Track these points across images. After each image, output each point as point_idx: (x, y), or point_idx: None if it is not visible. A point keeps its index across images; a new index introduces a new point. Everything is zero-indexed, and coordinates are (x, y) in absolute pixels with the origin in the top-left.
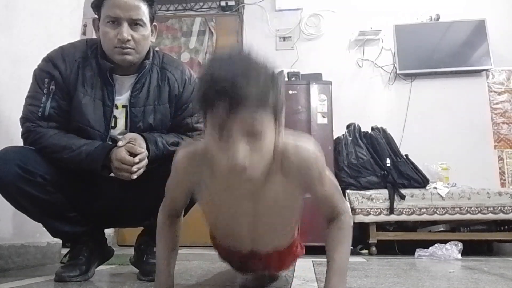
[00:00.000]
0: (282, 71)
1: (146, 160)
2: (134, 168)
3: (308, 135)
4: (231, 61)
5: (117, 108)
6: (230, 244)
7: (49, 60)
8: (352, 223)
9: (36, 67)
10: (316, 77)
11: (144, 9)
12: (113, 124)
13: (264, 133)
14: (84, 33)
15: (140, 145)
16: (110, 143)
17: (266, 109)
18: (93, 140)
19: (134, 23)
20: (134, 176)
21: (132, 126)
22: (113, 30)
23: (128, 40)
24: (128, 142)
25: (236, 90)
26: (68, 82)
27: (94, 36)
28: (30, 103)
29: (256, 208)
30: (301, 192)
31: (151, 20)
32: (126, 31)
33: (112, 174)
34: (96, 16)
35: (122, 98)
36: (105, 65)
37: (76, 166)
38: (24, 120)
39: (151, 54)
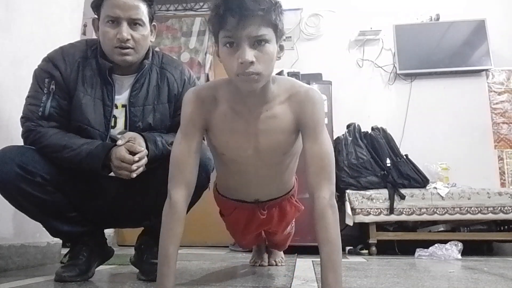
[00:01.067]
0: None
1: (146, 159)
2: (134, 167)
3: None
4: None
5: (116, 107)
6: (237, 191)
7: (49, 60)
8: (337, 217)
9: (36, 67)
10: (316, 77)
11: (144, 9)
12: (112, 124)
13: (267, 42)
14: (84, 33)
15: (140, 144)
16: (109, 142)
17: (269, 26)
18: (93, 140)
19: (134, 23)
20: (134, 175)
21: (131, 125)
22: (113, 29)
23: (128, 40)
24: (128, 141)
25: (244, 7)
26: (68, 82)
27: (94, 36)
28: (30, 102)
29: (257, 138)
30: (296, 127)
31: (151, 20)
32: (125, 31)
33: (112, 174)
34: (96, 16)
35: (121, 98)
36: (104, 65)
37: (76, 165)
38: (25, 119)
39: (150, 54)
